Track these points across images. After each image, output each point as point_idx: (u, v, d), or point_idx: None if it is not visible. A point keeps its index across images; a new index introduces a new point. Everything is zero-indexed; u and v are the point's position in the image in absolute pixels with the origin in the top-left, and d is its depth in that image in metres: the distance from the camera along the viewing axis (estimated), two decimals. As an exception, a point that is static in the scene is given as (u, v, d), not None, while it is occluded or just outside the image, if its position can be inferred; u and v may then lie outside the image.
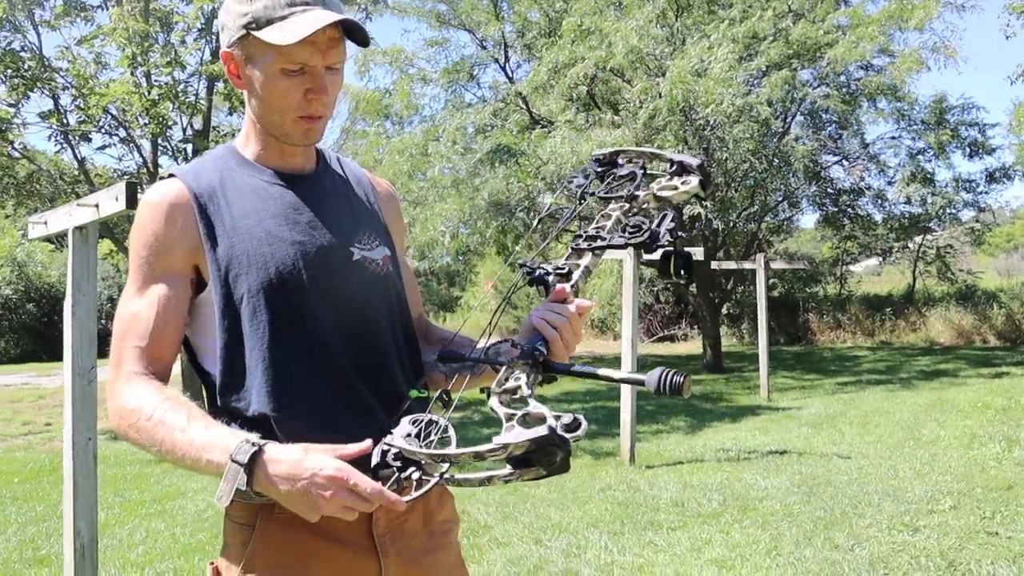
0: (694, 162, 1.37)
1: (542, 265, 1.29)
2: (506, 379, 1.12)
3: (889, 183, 15.90)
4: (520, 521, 5.20)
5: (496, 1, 16.35)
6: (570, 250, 1.33)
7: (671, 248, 1.25)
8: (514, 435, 1.00)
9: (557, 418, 1.03)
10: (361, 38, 1.36)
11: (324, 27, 1.30)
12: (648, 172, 1.40)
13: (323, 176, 1.51)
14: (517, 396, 1.09)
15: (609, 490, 6.00)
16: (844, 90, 13.97)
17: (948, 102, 15.32)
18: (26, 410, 11.16)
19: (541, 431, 0.99)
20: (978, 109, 15.40)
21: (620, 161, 1.46)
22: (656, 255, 1.25)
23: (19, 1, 9.21)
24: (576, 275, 1.31)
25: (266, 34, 1.31)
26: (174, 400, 1.28)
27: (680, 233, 1.27)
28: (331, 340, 1.37)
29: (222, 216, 1.37)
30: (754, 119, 11.99)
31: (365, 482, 1.12)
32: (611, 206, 1.37)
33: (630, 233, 1.26)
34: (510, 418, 1.04)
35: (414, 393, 1.07)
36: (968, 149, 15.42)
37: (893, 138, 15.66)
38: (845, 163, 15.89)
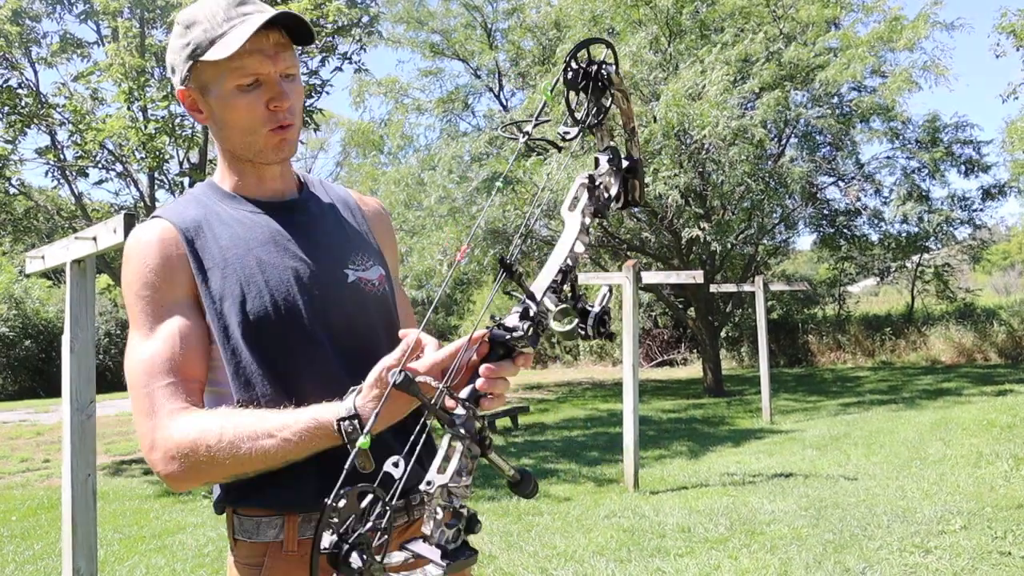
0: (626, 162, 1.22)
1: (502, 324, 1.10)
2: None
3: (884, 203, 15.95)
4: (525, 551, 5.13)
5: (490, 31, 16.52)
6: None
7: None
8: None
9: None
10: (305, 34, 1.35)
11: (268, 33, 1.30)
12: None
13: (308, 201, 1.48)
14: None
15: (614, 517, 5.93)
16: (837, 111, 14.06)
17: (941, 120, 15.40)
18: (24, 447, 11.06)
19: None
20: (972, 127, 15.48)
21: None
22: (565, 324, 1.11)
23: (16, 38, 9.25)
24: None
25: (211, 54, 1.30)
26: (233, 414, 1.22)
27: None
28: (333, 363, 1.35)
29: (210, 249, 1.34)
30: (749, 141, 12.05)
31: (418, 365, 1.11)
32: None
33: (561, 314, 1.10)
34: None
35: (365, 444, 0.97)
36: (963, 167, 15.47)
37: (888, 158, 15.73)
38: (841, 184, 15.94)
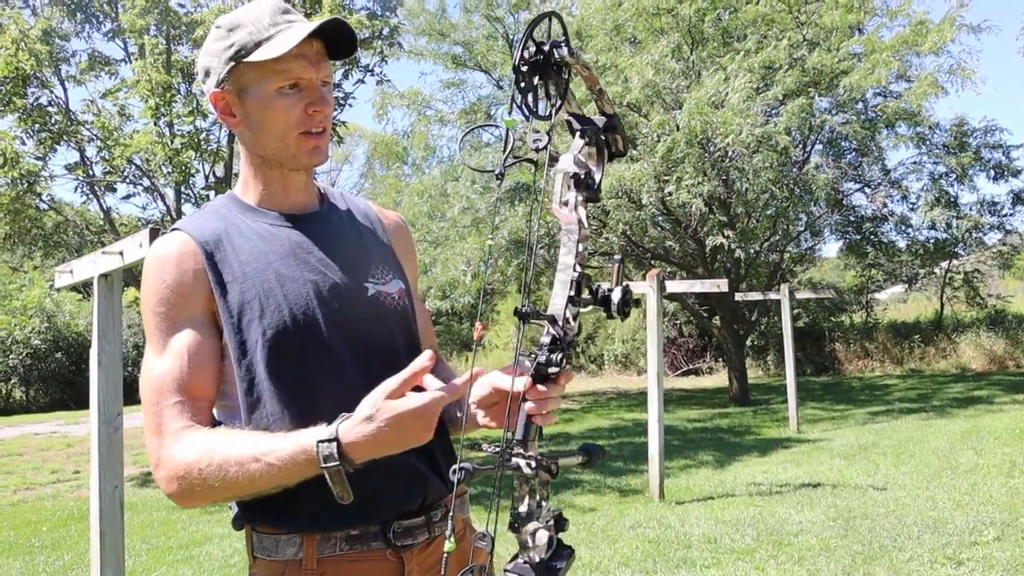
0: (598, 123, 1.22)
1: (537, 353, 1.13)
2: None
3: (912, 209, 15.75)
4: (550, 561, 5.10)
5: (511, 42, 16.56)
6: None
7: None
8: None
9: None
10: (346, 47, 1.37)
11: (311, 40, 1.33)
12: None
13: (329, 213, 1.48)
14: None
15: (639, 527, 5.89)
16: (862, 117, 13.93)
17: (969, 125, 15.19)
18: (55, 458, 11.20)
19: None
20: (1001, 131, 15.24)
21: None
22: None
23: (46, 57, 9.42)
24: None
25: (258, 54, 1.32)
26: (229, 435, 1.23)
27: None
28: (353, 378, 1.34)
29: (229, 263, 1.34)
30: (773, 148, 11.97)
31: (417, 400, 1.14)
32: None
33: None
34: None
35: (450, 547, 1.02)
36: (992, 171, 15.23)
37: (915, 163, 15.54)
38: (867, 190, 15.77)
